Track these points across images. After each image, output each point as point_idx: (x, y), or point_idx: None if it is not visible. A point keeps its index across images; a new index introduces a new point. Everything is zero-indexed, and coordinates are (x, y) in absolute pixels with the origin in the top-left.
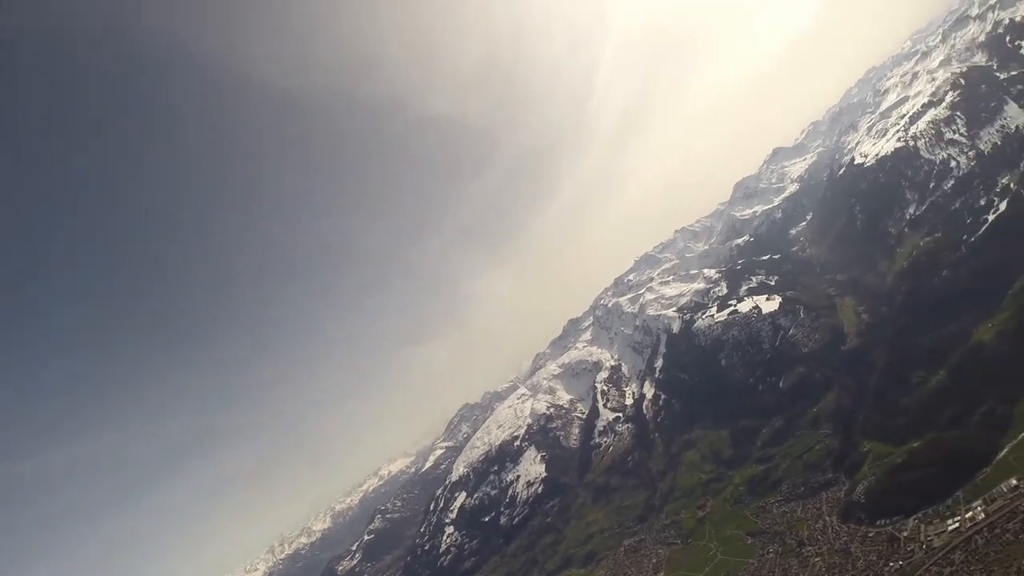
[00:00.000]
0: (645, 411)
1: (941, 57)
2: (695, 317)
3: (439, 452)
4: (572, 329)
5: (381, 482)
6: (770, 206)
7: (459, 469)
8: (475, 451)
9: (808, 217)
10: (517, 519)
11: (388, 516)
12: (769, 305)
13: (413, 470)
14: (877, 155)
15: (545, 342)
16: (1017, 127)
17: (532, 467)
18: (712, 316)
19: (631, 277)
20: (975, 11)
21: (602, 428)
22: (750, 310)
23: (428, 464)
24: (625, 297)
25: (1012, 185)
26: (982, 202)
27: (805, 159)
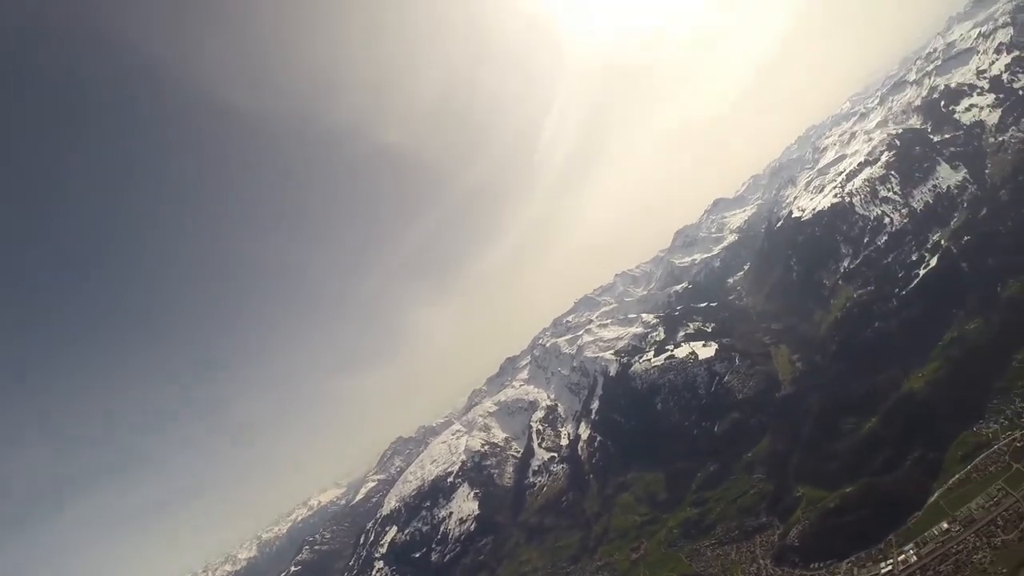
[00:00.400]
0: (580, 452)
1: (878, 119)
2: (632, 361)
3: (371, 485)
4: (510, 367)
5: (310, 512)
6: (709, 255)
7: (391, 503)
8: (408, 485)
9: (746, 267)
10: (449, 556)
11: (316, 548)
12: (705, 351)
13: (344, 502)
14: (814, 209)
15: (482, 379)
16: (949, 187)
17: (465, 504)
18: (649, 360)
19: (570, 318)
20: (912, 76)
21: (537, 467)
22: (687, 356)
23: (359, 496)
24: (563, 338)
25: (943, 242)
26: (914, 257)
27: (745, 210)
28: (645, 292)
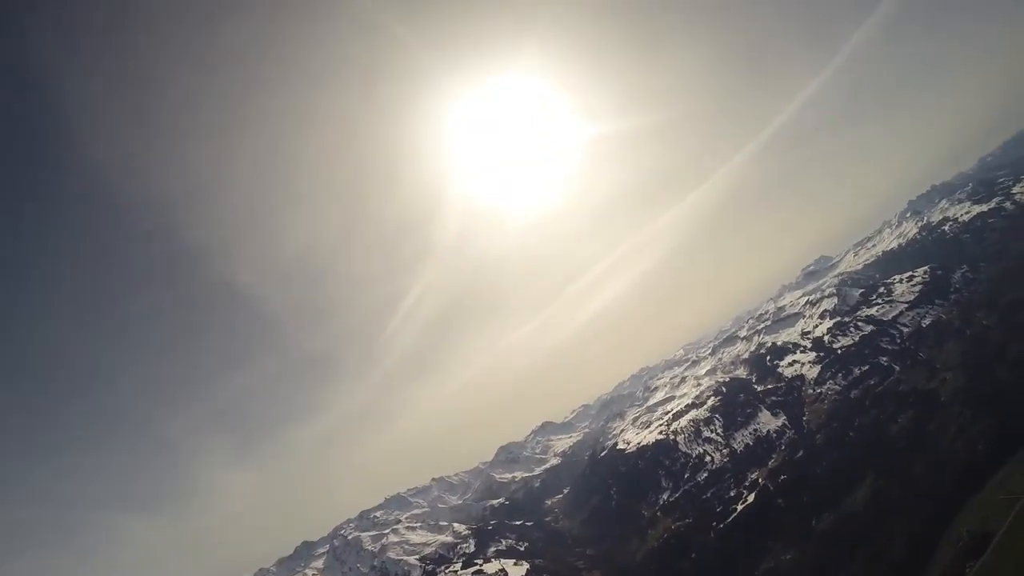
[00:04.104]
0: None
1: (709, 367)
2: (438, 570)
3: None
4: (305, 552)
5: None
6: (531, 474)
7: None
8: None
9: (565, 490)
10: None
11: None
12: (516, 570)
13: None
14: (639, 443)
15: (272, 556)
16: (768, 431)
17: None
18: (456, 572)
19: (378, 514)
20: (743, 333)
21: None
22: (496, 572)
23: None
24: (368, 533)
25: (760, 479)
26: (732, 493)
27: (572, 436)
28: (460, 501)
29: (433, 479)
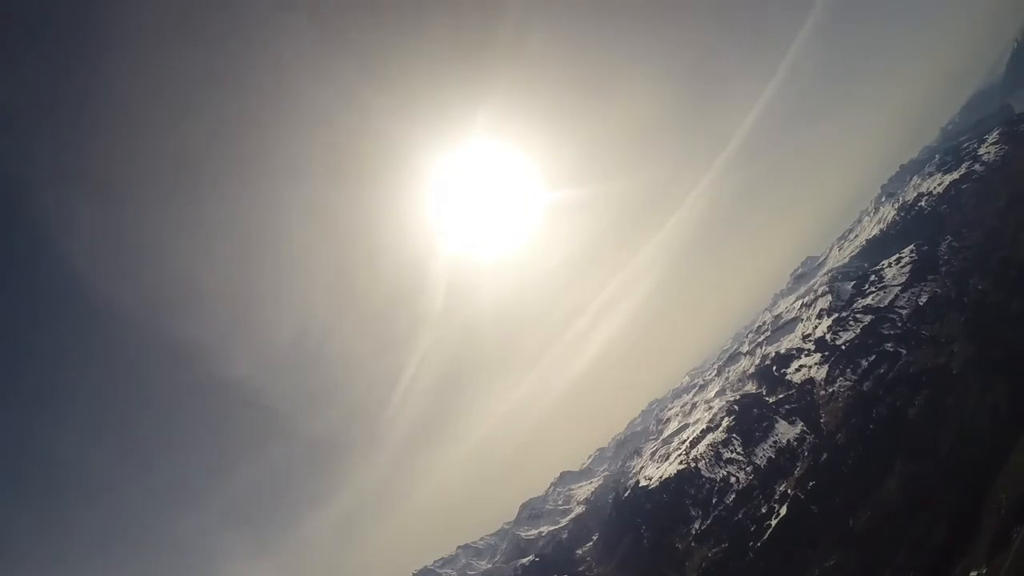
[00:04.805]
0: None
1: (717, 388)
2: None
3: None
4: None
5: None
6: (556, 527)
7: None
8: None
9: (594, 537)
10: None
11: None
12: None
13: None
14: (661, 477)
15: None
16: (788, 441)
17: None
18: None
19: None
20: (745, 348)
21: None
22: None
23: None
24: None
25: (788, 490)
26: (763, 510)
27: (592, 482)
28: (490, 565)
29: (459, 547)
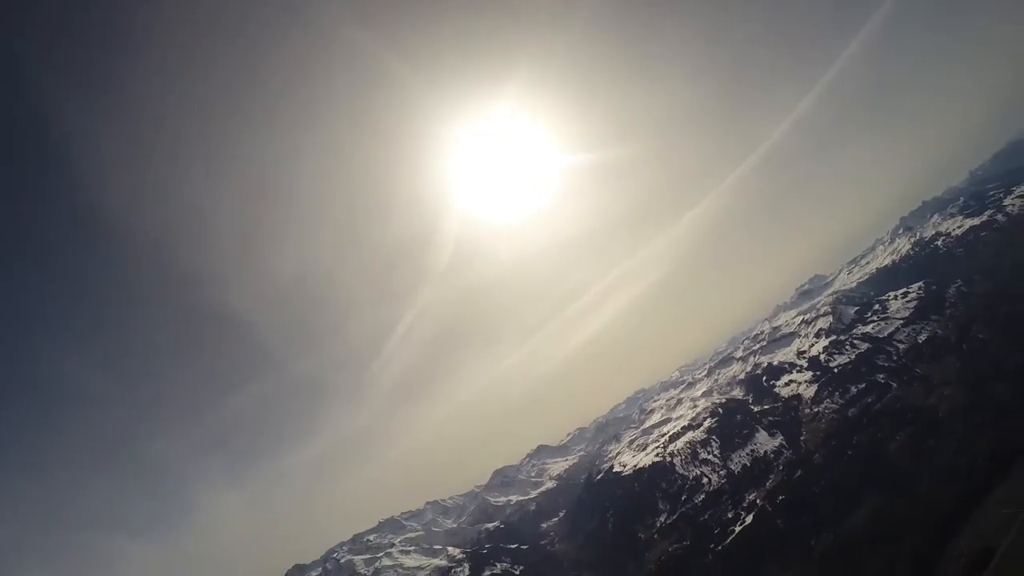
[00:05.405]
0: None
1: (705, 388)
2: None
3: None
4: (297, 575)
5: None
6: (526, 497)
7: None
8: None
9: (561, 514)
10: None
11: None
12: None
13: None
14: (635, 466)
15: None
16: (766, 452)
17: None
18: None
19: (371, 537)
20: (739, 354)
21: None
22: None
23: None
24: (361, 556)
25: (758, 500)
26: (730, 515)
27: (567, 459)
28: (455, 525)
29: (427, 502)
